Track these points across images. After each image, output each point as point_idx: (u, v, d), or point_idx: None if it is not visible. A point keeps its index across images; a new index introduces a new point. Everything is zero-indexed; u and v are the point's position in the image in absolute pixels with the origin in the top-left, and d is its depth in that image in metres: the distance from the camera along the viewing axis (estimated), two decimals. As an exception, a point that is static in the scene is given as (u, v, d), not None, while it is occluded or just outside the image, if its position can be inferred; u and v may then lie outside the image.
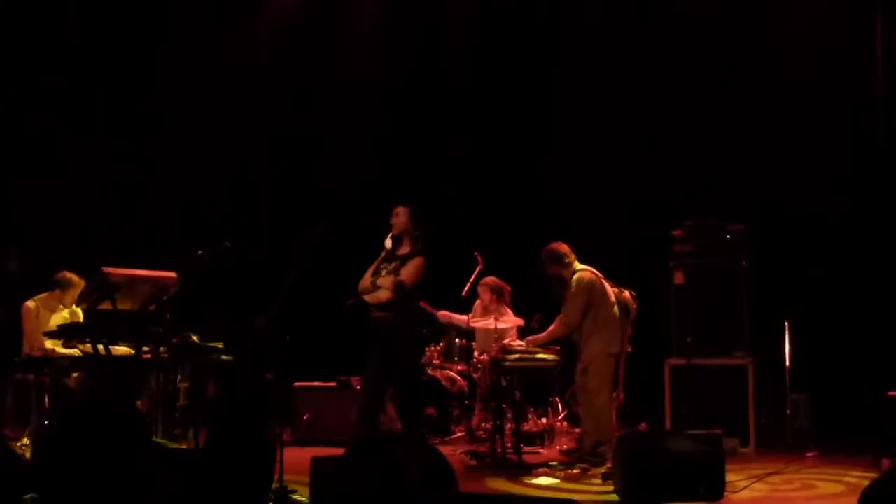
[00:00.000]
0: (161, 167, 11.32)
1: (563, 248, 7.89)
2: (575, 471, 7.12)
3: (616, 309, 7.78)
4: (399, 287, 6.67)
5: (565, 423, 8.98)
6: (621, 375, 7.89)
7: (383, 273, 6.91)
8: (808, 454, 7.95)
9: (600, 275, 7.87)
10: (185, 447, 6.93)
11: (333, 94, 11.56)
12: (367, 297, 6.90)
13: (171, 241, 10.14)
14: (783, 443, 8.42)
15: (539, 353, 7.83)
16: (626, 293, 7.91)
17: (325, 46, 11.65)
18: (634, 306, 7.90)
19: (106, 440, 2.16)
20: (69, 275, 8.32)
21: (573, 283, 7.76)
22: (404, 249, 6.99)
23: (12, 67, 10.89)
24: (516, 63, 11.15)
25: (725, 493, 6.04)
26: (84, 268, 8.12)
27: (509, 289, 9.23)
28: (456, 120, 11.34)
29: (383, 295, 6.75)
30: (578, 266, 7.87)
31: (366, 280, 6.96)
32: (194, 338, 7.43)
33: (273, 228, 10.95)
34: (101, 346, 6.90)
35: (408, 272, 6.71)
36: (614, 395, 7.92)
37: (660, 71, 10.35)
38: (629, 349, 7.91)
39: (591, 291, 7.73)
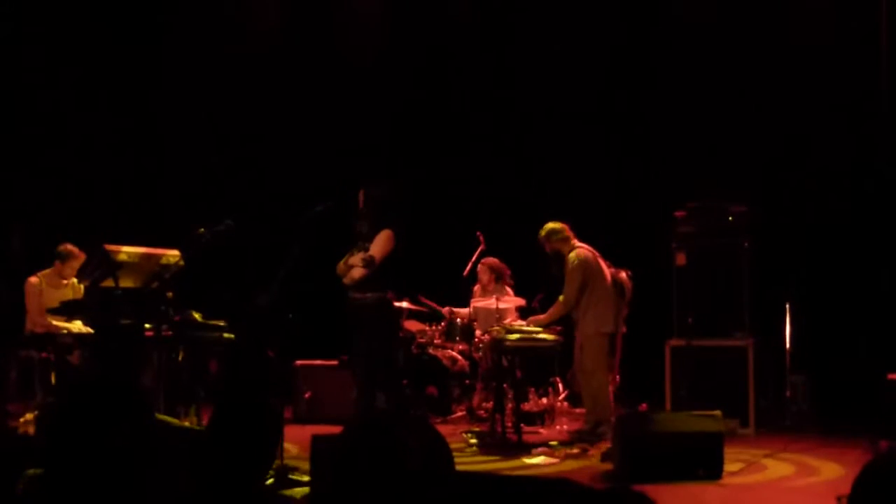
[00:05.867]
0: (163, 144, 11.32)
1: (562, 224, 8.00)
2: (574, 450, 7.15)
3: (611, 288, 7.83)
4: (370, 261, 6.66)
5: (566, 404, 9.01)
6: (617, 356, 7.93)
7: (355, 252, 6.91)
8: (807, 436, 7.94)
9: (596, 253, 7.94)
10: (187, 424, 6.97)
11: (336, 72, 11.55)
12: (344, 280, 6.92)
13: (173, 218, 10.14)
14: (783, 424, 8.44)
15: (540, 333, 7.86)
16: (623, 273, 7.97)
17: (327, 22, 11.63)
18: (630, 286, 7.95)
19: (108, 416, 2.17)
20: (69, 246, 8.33)
21: (570, 261, 7.84)
22: (371, 229, 6.93)
23: (15, 42, 10.87)
24: (516, 39, 11.13)
25: (724, 474, 6.08)
26: (87, 245, 8.14)
27: (508, 271, 9.25)
28: (459, 100, 11.33)
29: (356, 273, 6.75)
30: (576, 244, 7.95)
31: (340, 263, 6.98)
32: (196, 315, 7.46)
33: (274, 206, 10.94)
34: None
35: (376, 247, 6.71)
36: (610, 376, 7.96)
37: (663, 52, 10.32)
38: (624, 329, 7.96)
39: (587, 269, 7.82)
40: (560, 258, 7.94)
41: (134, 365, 7.04)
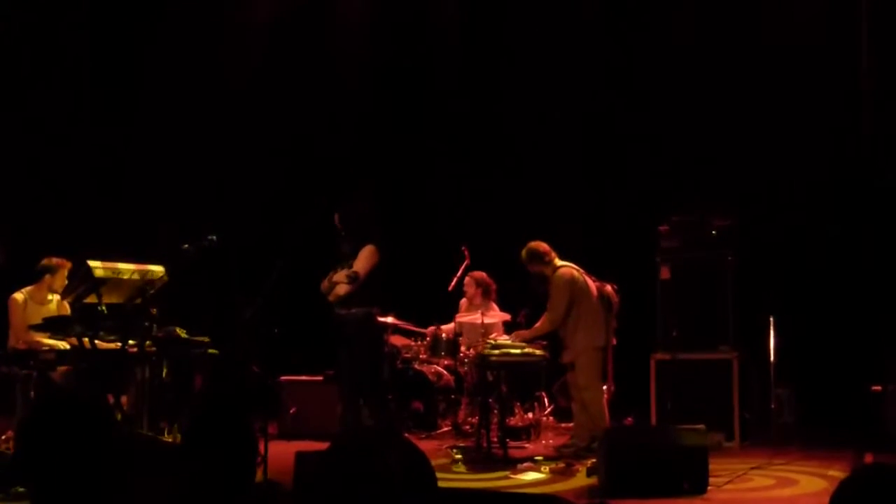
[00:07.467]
0: (146, 159, 11.29)
1: (543, 246, 7.97)
2: (560, 465, 7.14)
3: (598, 303, 7.83)
4: (353, 277, 6.69)
5: (551, 418, 9.00)
6: (610, 368, 7.93)
7: (339, 270, 6.94)
8: (792, 449, 7.95)
9: (581, 270, 7.94)
10: (170, 440, 6.94)
11: (321, 87, 11.56)
12: (329, 297, 6.94)
13: (157, 234, 10.11)
14: (768, 437, 8.44)
15: (526, 347, 7.85)
16: (608, 287, 7.97)
17: (310, 38, 11.65)
18: (616, 299, 7.95)
19: (67, 431, 2.17)
20: (54, 259, 8.25)
21: (554, 281, 7.82)
22: (352, 248, 6.97)
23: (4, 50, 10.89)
24: (502, 55, 11.18)
25: (709, 488, 6.08)
26: (70, 261, 8.11)
27: (495, 286, 9.25)
28: (443, 114, 11.36)
29: (341, 289, 6.78)
30: (559, 263, 7.94)
31: (324, 281, 7.01)
32: (180, 331, 7.43)
33: (259, 221, 10.93)
34: (86, 340, 6.89)
35: (359, 263, 6.75)
36: (604, 387, 7.96)
37: (647, 66, 10.37)
38: (614, 342, 7.96)
39: (573, 287, 7.80)
40: (543, 278, 7.94)
41: (106, 380, 7.00)
